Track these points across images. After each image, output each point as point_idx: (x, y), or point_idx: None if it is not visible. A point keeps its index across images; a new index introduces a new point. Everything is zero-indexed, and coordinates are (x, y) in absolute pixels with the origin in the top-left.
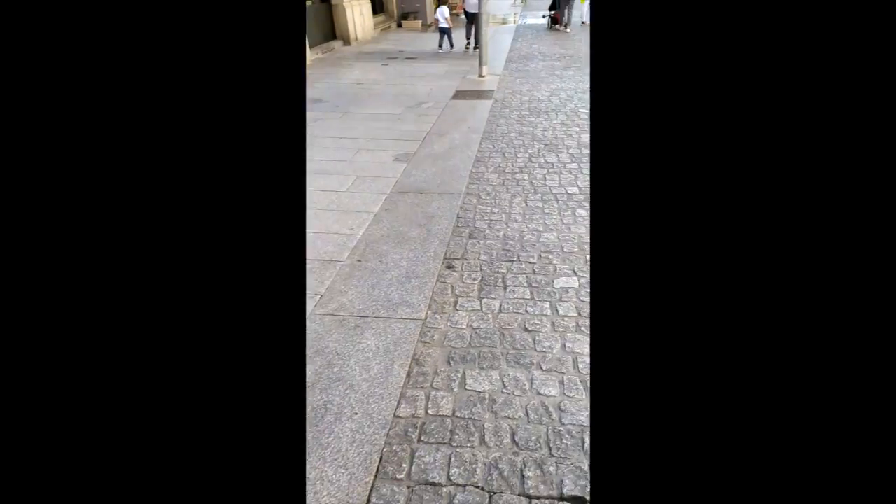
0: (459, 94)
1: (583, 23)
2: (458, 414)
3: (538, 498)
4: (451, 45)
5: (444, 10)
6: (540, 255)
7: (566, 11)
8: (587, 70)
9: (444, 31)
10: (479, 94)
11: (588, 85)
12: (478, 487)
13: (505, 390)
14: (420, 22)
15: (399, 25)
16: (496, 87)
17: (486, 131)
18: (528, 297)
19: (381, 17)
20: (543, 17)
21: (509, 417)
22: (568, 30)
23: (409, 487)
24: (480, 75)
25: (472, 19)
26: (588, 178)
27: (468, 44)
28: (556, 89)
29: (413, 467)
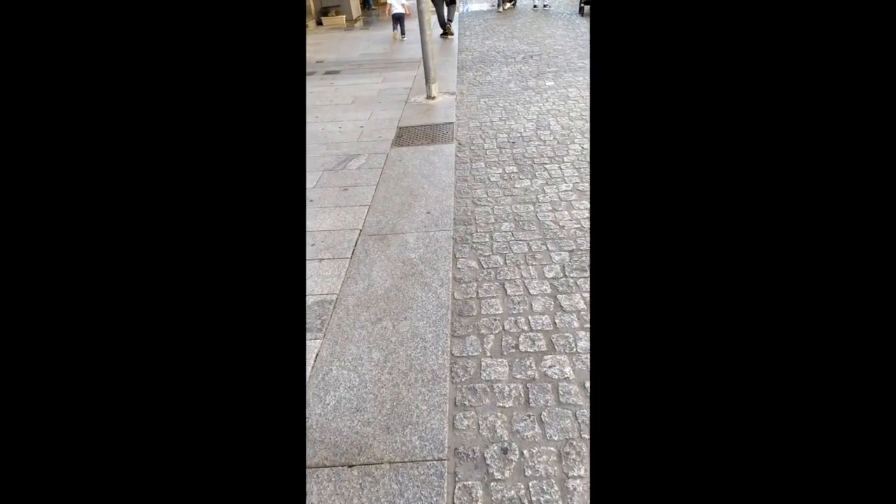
0: (404, 136)
1: (534, 6)
2: None
3: None
4: (403, 34)
5: None
6: None
7: None
8: (569, 77)
9: (398, 18)
10: (432, 134)
11: (583, 104)
12: None
13: None
14: (343, 17)
15: (319, 24)
16: (455, 117)
17: (457, 220)
18: None
19: None
20: None
21: None
22: (508, 6)
23: None
24: (430, 96)
25: (442, 1)
26: None
27: (446, 30)
28: (541, 115)
29: None
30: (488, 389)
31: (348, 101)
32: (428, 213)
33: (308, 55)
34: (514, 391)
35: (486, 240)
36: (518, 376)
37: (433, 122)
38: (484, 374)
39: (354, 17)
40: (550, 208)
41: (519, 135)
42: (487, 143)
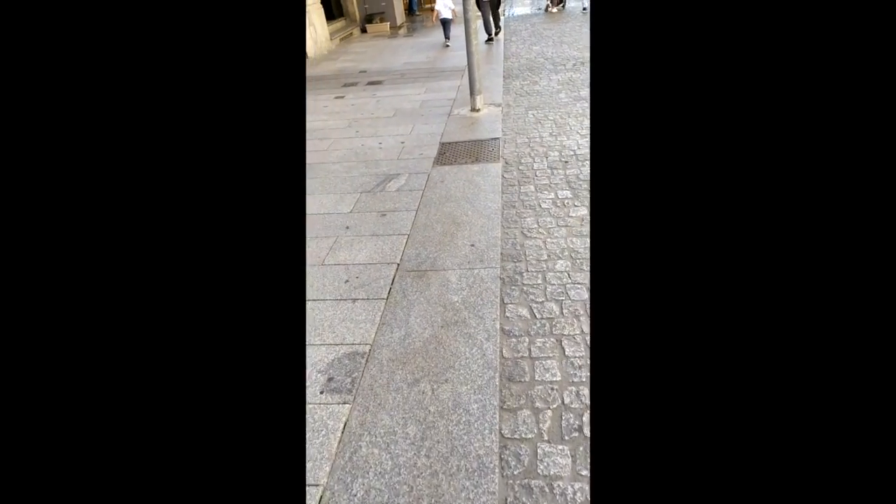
0: (447, 153)
1: (584, 9)
2: None
3: None
4: (447, 39)
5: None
6: None
7: None
8: None
9: (446, 23)
10: (476, 151)
11: None
12: None
13: None
14: (388, 24)
15: (363, 31)
16: (501, 132)
17: (504, 255)
18: None
19: (339, 24)
20: None
21: None
22: (558, 8)
23: None
24: (474, 108)
25: (489, 4)
26: None
27: (491, 36)
28: None
29: None
30: (547, 489)
31: (390, 113)
32: (472, 245)
33: (352, 65)
34: (579, 495)
35: (539, 281)
36: (584, 473)
37: (478, 137)
38: (541, 467)
39: (399, 23)
40: None
41: (572, 153)
42: (537, 163)
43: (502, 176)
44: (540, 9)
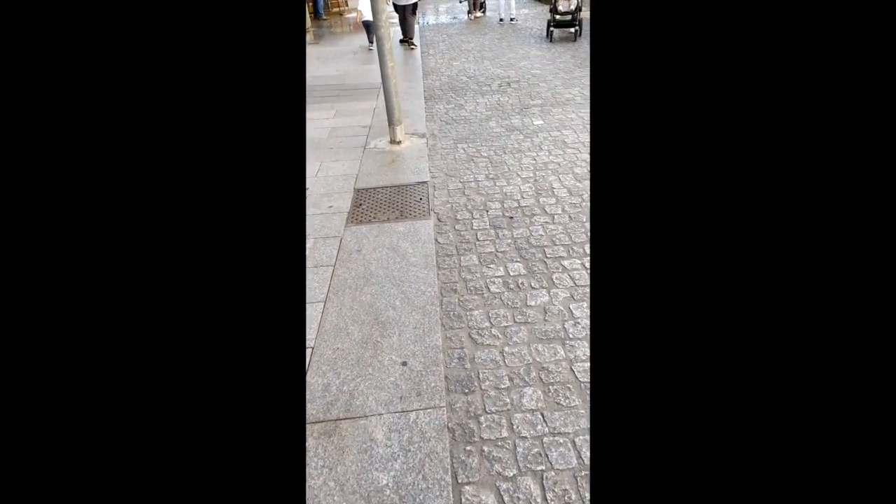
0: (363, 203)
1: (500, 20)
2: None
3: None
4: (371, 43)
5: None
6: None
7: None
8: (558, 113)
9: (369, 26)
10: (401, 201)
11: (584, 154)
12: None
13: None
14: None
15: None
16: (429, 173)
17: (450, 381)
18: None
19: None
20: (461, 1)
21: None
22: (479, 15)
23: None
24: (394, 141)
25: (406, 9)
26: None
27: (407, 38)
28: (538, 171)
29: None
30: None
31: None
32: (404, 364)
33: None
34: None
35: (504, 433)
36: None
37: (401, 181)
38: None
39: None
40: (587, 352)
41: (516, 204)
42: (477, 220)
43: (436, 240)
44: (456, 18)
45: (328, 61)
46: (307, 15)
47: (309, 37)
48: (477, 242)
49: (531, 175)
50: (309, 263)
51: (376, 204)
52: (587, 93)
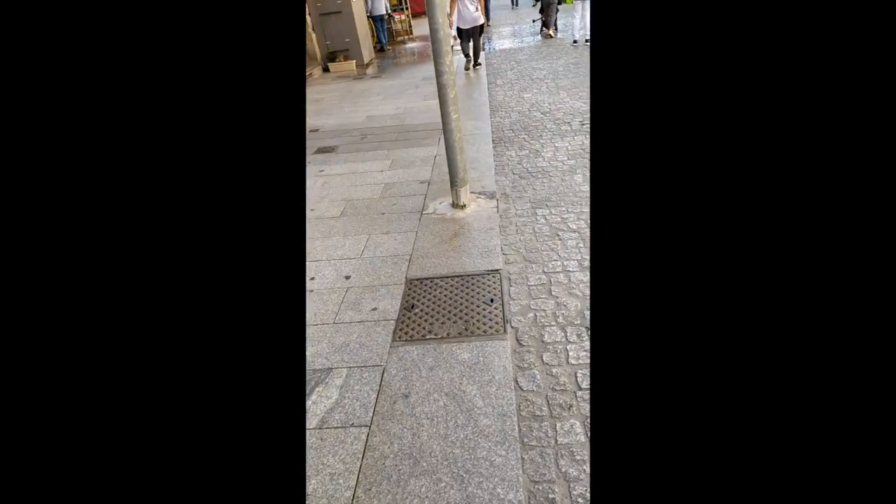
0: (415, 304)
1: (574, 42)
2: None
3: None
4: (472, 59)
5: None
6: None
7: (553, 12)
8: None
9: (461, 34)
10: (464, 300)
11: None
12: None
13: None
14: (353, 62)
15: (325, 70)
16: (501, 258)
17: None
18: None
19: None
20: (534, 21)
21: None
22: (552, 32)
23: None
24: (457, 204)
25: (468, 36)
26: None
27: (473, 61)
28: None
29: None
30: None
31: (336, 210)
32: None
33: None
34: None
35: None
36: None
37: (466, 267)
38: None
39: (366, 61)
40: None
41: None
42: (573, 343)
43: (516, 382)
44: (523, 41)
45: (389, 97)
46: (370, 45)
47: (371, 69)
48: (579, 392)
49: None
50: (336, 408)
51: (433, 304)
52: None
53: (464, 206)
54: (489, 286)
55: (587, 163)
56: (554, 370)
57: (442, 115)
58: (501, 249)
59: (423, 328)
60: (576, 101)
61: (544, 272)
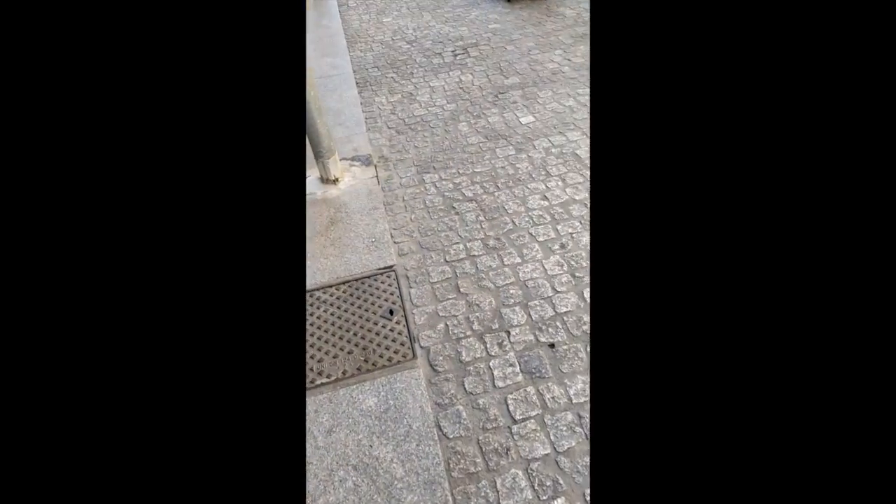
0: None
1: None
2: None
3: None
4: None
5: None
6: None
7: None
8: (548, 98)
9: None
10: (360, 316)
11: None
12: None
13: None
14: None
15: None
16: (394, 249)
17: None
18: None
19: None
20: None
21: None
22: None
23: None
24: (327, 178)
25: None
26: None
27: None
28: (560, 222)
29: None
30: None
31: None
32: None
33: None
34: None
35: None
36: None
37: (352, 269)
38: None
39: None
40: None
41: (550, 308)
42: (497, 358)
43: (438, 426)
44: None
45: None
46: None
47: None
48: (514, 427)
49: (552, 235)
50: None
51: (320, 329)
52: (577, 60)
53: (336, 181)
54: (385, 291)
55: (468, 106)
56: (480, 400)
57: None
58: (392, 236)
59: (311, 369)
60: (443, 24)
61: (446, 261)
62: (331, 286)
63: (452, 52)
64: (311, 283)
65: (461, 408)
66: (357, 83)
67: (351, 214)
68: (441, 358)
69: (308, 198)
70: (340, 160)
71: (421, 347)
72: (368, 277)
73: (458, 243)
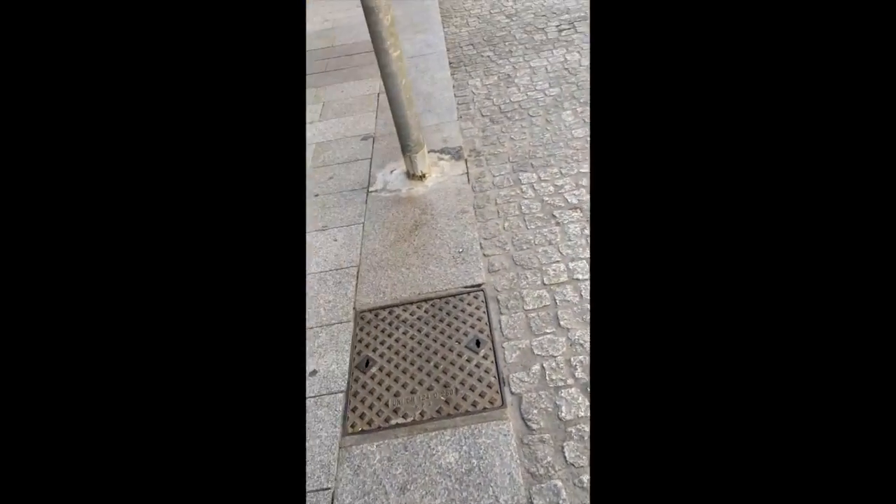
0: (369, 362)
1: None
2: None
3: None
4: None
5: None
6: None
7: None
8: None
9: None
10: (439, 347)
11: None
12: None
13: None
14: None
15: None
16: (483, 263)
17: None
18: None
19: None
20: None
21: None
22: None
23: None
24: (413, 174)
25: None
26: None
27: None
28: None
29: None
30: None
31: None
32: None
33: None
34: None
35: None
36: None
37: (435, 285)
38: None
39: None
40: None
41: None
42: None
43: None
44: None
45: (312, 4)
46: None
47: None
48: None
49: None
50: None
51: (397, 355)
52: None
53: (423, 177)
54: (471, 315)
55: (574, 91)
56: (584, 477)
57: (376, 52)
58: (481, 247)
59: (386, 404)
60: None
61: (544, 284)
62: (412, 303)
63: (557, 27)
64: (391, 297)
65: (560, 483)
66: (450, 63)
67: (437, 217)
68: (536, 411)
69: (392, 195)
70: (429, 152)
71: (511, 393)
72: (454, 296)
73: (558, 262)
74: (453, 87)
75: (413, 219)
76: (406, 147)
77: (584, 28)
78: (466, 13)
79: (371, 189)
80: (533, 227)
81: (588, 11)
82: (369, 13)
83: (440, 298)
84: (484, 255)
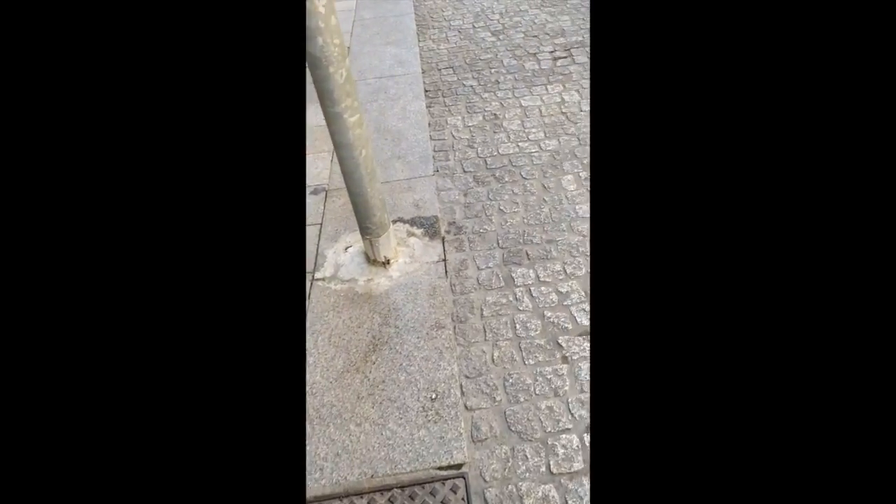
0: None
1: None
2: None
3: None
4: None
5: None
6: None
7: None
8: None
9: None
10: None
11: None
12: None
13: None
14: None
15: None
16: (465, 419)
17: None
18: None
19: None
20: None
21: None
22: None
23: None
24: (376, 260)
25: None
26: None
27: None
28: None
29: None
30: None
31: None
32: None
33: None
34: None
35: None
36: None
37: (398, 462)
38: None
39: None
40: None
41: None
42: None
43: None
44: None
45: None
46: None
47: None
48: None
49: None
50: None
51: None
52: None
53: (387, 263)
54: None
55: (576, 146)
56: None
57: (326, 117)
58: (462, 391)
59: None
60: (537, 10)
61: (551, 472)
62: (360, 494)
63: (551, 53)
64: (332, 479)
65: None
66: (426, 90)
67: (403, 333)
68: None
69: (346, 287)
70: (395, 222)
71: None
72: (422, 485)
73: (568, 431)
74: (429, 125)
75: (371, 333)
76: (366, 230)
77: (583, 57)
78: (446, 24)
79: (317, 276)
80: (532, 361)
81: (585, 36)
82: (315, 65)
83: (402, 489)
84: (466, 407)
